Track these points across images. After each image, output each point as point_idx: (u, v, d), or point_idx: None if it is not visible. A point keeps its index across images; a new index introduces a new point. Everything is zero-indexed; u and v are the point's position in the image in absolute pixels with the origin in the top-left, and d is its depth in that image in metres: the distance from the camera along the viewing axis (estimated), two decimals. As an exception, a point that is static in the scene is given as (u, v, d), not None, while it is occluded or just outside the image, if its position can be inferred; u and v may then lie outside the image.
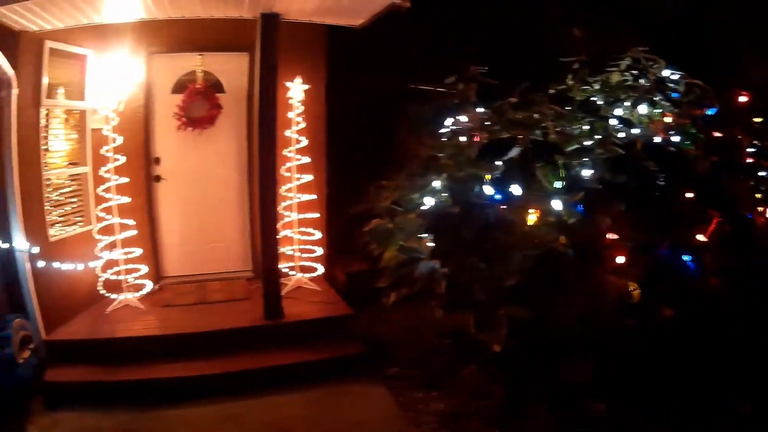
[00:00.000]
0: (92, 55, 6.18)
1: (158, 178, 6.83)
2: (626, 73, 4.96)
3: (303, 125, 6.51)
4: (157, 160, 6.81)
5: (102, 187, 6.05)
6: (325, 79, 6.96)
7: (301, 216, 6.60)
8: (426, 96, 6.95)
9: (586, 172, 4.36)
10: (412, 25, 6.33)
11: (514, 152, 4.41)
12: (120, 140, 6.06)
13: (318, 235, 6.64)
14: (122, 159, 6.08)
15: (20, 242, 5.30)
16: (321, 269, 6.75)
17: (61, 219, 6.04)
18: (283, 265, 6.38)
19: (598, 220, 4.22)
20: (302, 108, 6.51)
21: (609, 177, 4.30)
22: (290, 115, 6.41)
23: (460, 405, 4.85)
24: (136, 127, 6.54)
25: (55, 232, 5.87)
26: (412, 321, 5.94)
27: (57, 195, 6.02)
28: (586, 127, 4.69)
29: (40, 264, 5.46)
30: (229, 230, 7.18)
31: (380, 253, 4.71)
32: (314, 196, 6.65)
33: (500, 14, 6.96)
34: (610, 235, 4.30)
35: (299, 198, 6.55)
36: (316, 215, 6.70)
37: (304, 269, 6.74)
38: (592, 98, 5.03)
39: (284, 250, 6.45)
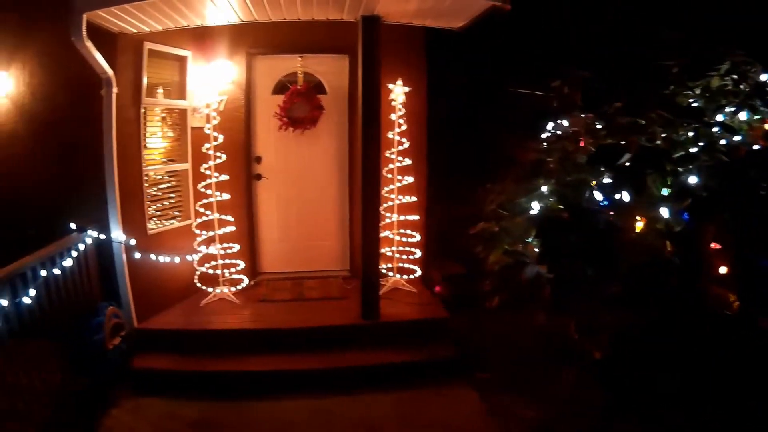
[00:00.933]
0: (192, 56, 6.55)
1: (259, 177, 7.12)
2: (726, 78, 4.94)
3: (404, 127, 6.62)
4: (258, 159, 7.11)
5: (202, 183, 6.35)
6: (425, 81, 7.06)
7: (401, 218, 6.70)
8: (527, 99, 7.35)
9: (692, 179, 4.45)
10: (512, 27, 6.38)
11: (626, 158, 4.55)
12: (221, 138, 6.35)
13: (417, 237, 6.70)
14: (223, 157, 6.35)
15: (117, 234, 5.67)
16: (418, 271, 6.79)
17: (159, 213, 6.40)
18: (381, 266, 6.43)
19: (702, 228, 4.39)
20: (403, 110, 6.61)
21: (713, 185, 4.40)
22: (392, 116, 6.52)
23: (551, 413, 4.86)
24: (236, 127, 6.87)
25: (153, 226, 6.24)
26: (507, 326, 5.85)
27: (156, 190, 6.39)
28: (691, 134, 4.74)
29: (137, 255, 5.83)
30: (327, 229, 7.41)
31: (485, 256, 4.92)
32: (414, 198, 6.71)
33: (598, 16, 7.18)
34: (714, 244, 4.42)
35: (400, 200, 6.65)
36: (416, 217, 6.77)
37: (401, 271, 6.80)
38: (694, 104, 5.03)
39: (383, 251, 6.51)
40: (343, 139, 7.29)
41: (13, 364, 4.32)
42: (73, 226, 5.66)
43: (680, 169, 4.50)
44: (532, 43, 7.28)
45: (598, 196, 4.65)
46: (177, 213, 6.74)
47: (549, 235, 4.71)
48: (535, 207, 4.87)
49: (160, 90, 6.44)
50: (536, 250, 4.66)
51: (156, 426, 4.91)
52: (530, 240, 4.73)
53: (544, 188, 4.85)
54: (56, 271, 4.97)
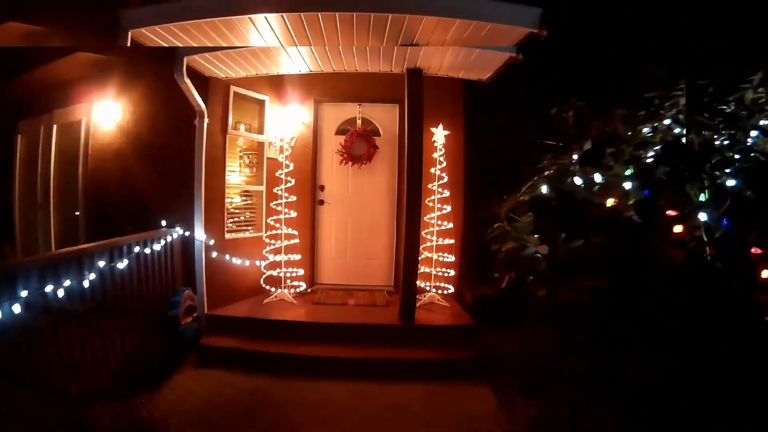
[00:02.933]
0: (269, 100, 7.63)
1: (321, 202, 8.01)
2: (760, 90, 4.72)
3: (444, 164, 7.38)
4: (322, 188, 8.00)
5: (274, 202, 7.29)
6: (463, 123, 7.82)
7: (440, 241, 7.36)
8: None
9: (730, 183, 4.26)
10: (538, 77, 7.12)
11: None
12: (291, 166, 7.30)
13: (452, 258, 7.34)
14: (292, 181, 7.28)
15: (199, 234, 6.55)
16: (451, 288, 7.41)
17: (235, 226, 7.30)
18: (420, 283, 7.08)
19: (743, 233, 4.20)
20: (443, 150, 7.40)
21: (754, 188, 4.22)
22: (434, 155, 7.32)
23: (554, 412, 5.22)
24: (304, 159, 7.83)
25: (229, 234, 7.12)
26: (527, 340, 6.22)
27: (234, 207, 7.32)
28: (726, 141, 4.62)
29: (214, 254, 6.70)
30: (377, 250, 8.11)
31: (498, 249, 5.33)
32: (451, 225, 7.37)
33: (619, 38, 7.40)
34: (756, 249, 4.19)
35: (439, 225, 7.35)
36: (451, 241, 7.40)
37: (437, 288, 7.42)
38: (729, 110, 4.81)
39: (423, 269, 7.20)
40: (393, 174, 8.09)
41: (102, 327, 5.01)
42: (163, 223, 6.62)
43: (717, 173, 4.38)
44: (558, 87, 7.76)
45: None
46: (250, 227, 7.61)
47: (539, 214, 5.18)
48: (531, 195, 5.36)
49: (243, 125, 7.46)
50: (535, 236, 5.09)
51: (213, 390, 5.53)
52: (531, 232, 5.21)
53: (544, 188, 5.34)
54: (147, 251, 5.81)
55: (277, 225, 7.38)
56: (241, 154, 7.59)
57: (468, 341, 6.46)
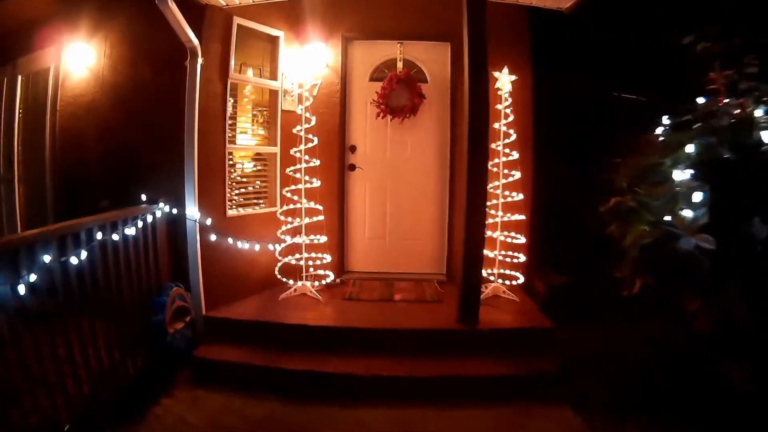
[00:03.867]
0: (284, 36, 5.95)
1: (352, 167, 6.34)
2: None
3: (511, 118, 5.67)
4: (353, 149, 6.34)
5: (291, 168, 5.64)
6: (531, 68, 6.12)
7: (506, 218, 5.72)
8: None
9: None
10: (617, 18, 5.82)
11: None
12: (313, 121, 5.68)
13: (521, 239, 5.67)
14: (315, 140, 5.66)
15: (192, 211, 5.00)
16: (521, 278, 5.75)
17: (242, 199, 5.78)
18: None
19: None
20: (510, 99, 5.69)
21: None
22: (498, 107, 5.62)
23: None
24: (330, 113, 6.15)
25: (234, 210, 5.60)
26: (618, 341, 5.05)
27: (240, 172, 5.81)
28: None
29: (212, 238, 5.17)
30: (424, 228, 6.47)
31: (620, 236, 3.97)
32: (521, 197, 5.69)
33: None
34: None
35: (505, 197, 5.69)
36: (521, 217, 5.73)
37: (502, 277, 5.78)
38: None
39: (485, 253, 5.44)
40: (444, 131, 6.37)
41: (66, 335, 3.62)
42: (143, 197, 5.01)
43: None
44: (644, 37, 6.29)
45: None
46: (262, 199, 6.06)
47: (712, 178, 3.54)
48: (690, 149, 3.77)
49: (251, 69, 5.86)
50: (689, 217, 3.50)
51: (212, 421, 4.10)
52: (679, 211, 3.54)
53: (689, 147, 3.76)
54: (116, 237, 4.17)
55: (296, 198, 5.67)
56: (248, 105, 5.99)
57: (547, 348, 4.93)
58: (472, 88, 4.76)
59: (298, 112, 5.73)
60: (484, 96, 4.79)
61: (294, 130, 5.71)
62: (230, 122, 5.55)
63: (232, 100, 5.57)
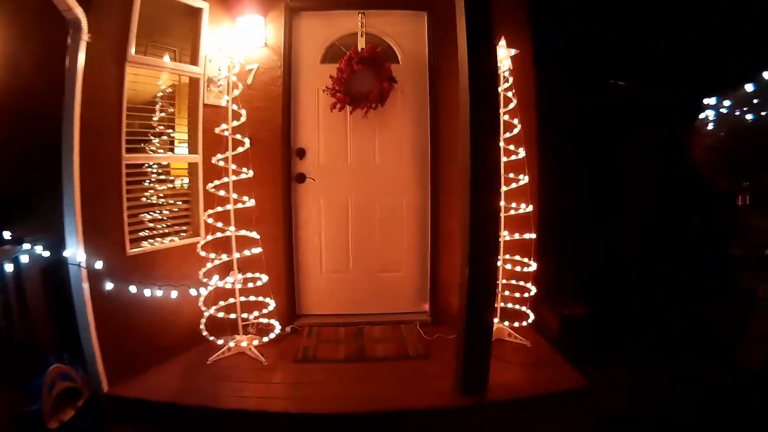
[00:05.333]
0: (209, 9, 4.46)
1: (301, 178, 4.80)
2: None
3: (513, 104, 4.26)
4: (301, 153, 4.79)
5: (212, 184, 4.11)
6: (531, 41, 4.74)
7: (510, 238, 4.33)
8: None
9: None
10: None
11: None
12: (243, 117, 4.19)
13: (532, 266, 4.26)
14: (246, 143, 4.16)
15: (75, 252, 3.46)
16: (530, 316, 4.35)
17: (154, 223, 4.22)
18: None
19: None
20: (511, 79, 4.25)
21: None
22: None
23: None
24: (270, 106, 4.66)
25: (139, 242, 4.04)
26: (664, 388, 3.89)
27: (149, 191, 4.21)
28: None
29: (108, 286, 3.62)
30: (400, 255, 4.98)
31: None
32: (530, 208, 4.29)
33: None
34: None
35: (507, 211, 4.31)
36: (531, 236, 4.31)
37: (507, 314, 4.39)
38: None
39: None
40: (422, 125, 4.89)
41: None
42: (6, 234, 3.54)
43: None
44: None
45: None
46: (182, 227, 4.49)
47: None
48: None
49: (167, 57, 4.33)
50: None
51: None
52: None
53: None
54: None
55: (219, 224, 4.17)
56: (158, 98, 4.35)
57: (580, 417, 3.50)
58: (473, 60, 3.22)
59: (223, 105, 4.21)
60: (491, 72, 3.38)
61: (217, 130, 4.17)
62: (134, 122, 4.03)
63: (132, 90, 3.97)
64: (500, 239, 4.23)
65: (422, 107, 4.83)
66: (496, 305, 4.34)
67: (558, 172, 4.71)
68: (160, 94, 4.35)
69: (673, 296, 4.69)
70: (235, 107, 4.15)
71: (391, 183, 4.89)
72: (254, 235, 4.18)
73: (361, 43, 4.80)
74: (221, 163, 4.11)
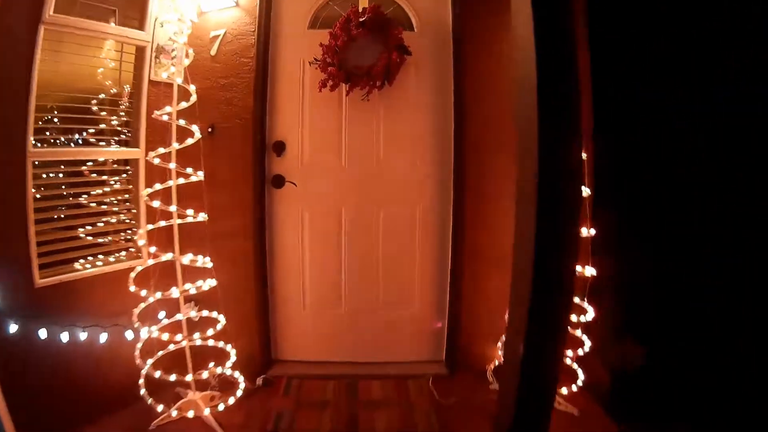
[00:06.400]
0: None
1: (279, 181, 3.61)
2: None
3: None
4: (279, 147, 3.60)
5: (147, 191, 3.00)
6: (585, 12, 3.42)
7: None
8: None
9: None
10: None
11: None
12: (193, 98, 3.10)
13: (589, 312, 3.11)
14: (196, 134, 3.06)
15: None
16: (581, 376, 3.20)
17: (73, 242, 3.08)
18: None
19: None
20: None
21: None
22: None
23: None
24: (240, 85, 3.51)
25: (48, 271, 2.94)
26: None
27: (70, 198, 3.11)
28: None
29: (11, 328, 2.64)
30: (409, 283, 3.77)
31: None
32: (591, 232, 3.18)
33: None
34: None
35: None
36: (590, 272, 3.13)
37: None
38: None
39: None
40: (443, 109, 3.69)
41: None
42: None
43: None
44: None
45: None
46: (118, 247, 3.37)
47: None
48: None
49: (112, 22, 3.27)
50: None
51: None
52: None
53: None
54: None
55: (153, 250, 3.10)
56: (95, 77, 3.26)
57: None
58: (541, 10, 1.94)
59: (178, 83, 3.09)
60: (569, 28, 2.02)
61: (156, 114, 3.06)
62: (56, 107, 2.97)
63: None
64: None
65: (444, 87, 3.66)
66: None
67: (621, 181, 3.48)
68: (101, 70, 3.24)
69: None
70: (181, 82, 3.04)
71: (399, 187, 3.70)
72: (204, 261, 3.11)
73: (364, 2, 3.60)
74: (156, 161, 2.98)
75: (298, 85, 3.61)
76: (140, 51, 3.35)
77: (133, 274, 2.99)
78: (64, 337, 2.84)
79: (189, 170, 3.04)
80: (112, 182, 3.31)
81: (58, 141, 3.07)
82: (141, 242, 3.06)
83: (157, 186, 2.99)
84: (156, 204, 2.96)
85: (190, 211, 3.05)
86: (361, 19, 3.44)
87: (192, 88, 3.06)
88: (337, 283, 3.73)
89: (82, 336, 2.89)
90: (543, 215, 1.82)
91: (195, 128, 3.07)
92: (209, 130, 3.42)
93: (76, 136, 3.17)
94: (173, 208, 2.96)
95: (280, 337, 3.76)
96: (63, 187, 3.11)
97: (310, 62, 3.51)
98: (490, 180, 3.50)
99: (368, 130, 3.62)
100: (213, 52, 3.48)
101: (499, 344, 3.35)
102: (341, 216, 3.69)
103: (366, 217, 3.69)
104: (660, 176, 3.40)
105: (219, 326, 3.14)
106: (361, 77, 3.43)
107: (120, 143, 3.34)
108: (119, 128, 3.35)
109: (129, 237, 3.35)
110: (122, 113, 3.35)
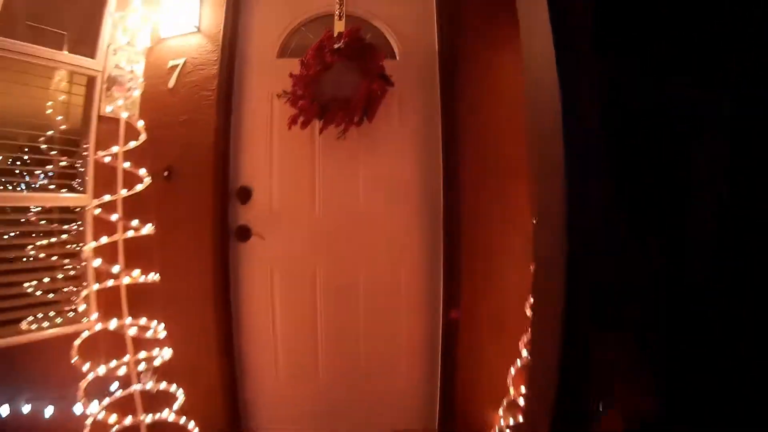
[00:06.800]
0: None
1: (244, 233, 3.19)
2: None
3: None
4: (244, 194, 3.20)
5: (90, 245, 2.63)
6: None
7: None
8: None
9: None
10: None
11: None
12: (144, 137, 2.79)
13: None
14: (144, 177, 2.74)
15: None
16: None
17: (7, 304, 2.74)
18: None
19: None
20: None
21: None
22: None
23: None
24: (201, 122, 3.14)
25: None
26: None
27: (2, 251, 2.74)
28: None
29: None
30: (395, 348, 3.33)
31: None
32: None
33: None
34: None
35: None
36: None
37: None
38: None
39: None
40: (431, 150, 3.30)
41: None
42: None
43: None
44: None
45: None
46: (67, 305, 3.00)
47: None
48: None
49: (67, 48, 3.00)
50: None
51: None
52: None
53: None
54: None
55: (93, 317, 2.84)
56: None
57: None
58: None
59: (124, 117, 2.80)
60: None
61: (101, 155, 2.75)
62: None
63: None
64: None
65: (431, 121, 3.30)
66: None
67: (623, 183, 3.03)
68: (51, 103, 2.97)
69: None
70: (126, 117, 2.73)
71: (382, 239, 3.31)
72: (158, 329, 2.78)
73: (339, 27, 3.26)
74: (98, 211, 2.69)
75: (267, 121, 3.26)
76: (91, 82, 3.06)
77: (77, 342, 2.64)
78: (4, 410, 2.56)
79: (135, 222, 2.59)
80: (63, 231, 2.97)
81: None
82: (81, 307, 2.62)
83: (103, 240, 2.66)
84: (96, 263, 2.52)
85: (136, 272, 2.63)
86: (336, 45, 3.07)
87: (140, 124, 2.82)
88: (313, 352, 3.31)
89: (25, 409, 2.62)
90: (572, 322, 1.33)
91: (143, 172, 2.66)
92: (165, 173, 3.05)
93: (24, 177, 2.79)
94: (116, 268, 2.52)
95: (252, 408, 3.33)
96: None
97: (278, 95, 3.09)
98: (488, 231, 3.07)
99: (345, 173, 3.28)
100: (171, 84, 3.17)
101: (501, 410, 2.89)
102: (315, 275, 3.32)
103: (344, 275, 3.32)
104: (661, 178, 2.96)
105: (177, 404, 2.72)
106: (336, 112, 3.06)
107: (68, 188, 2.99)
108: (69, 170, 2.97)
109: (77, 296, 2.98)
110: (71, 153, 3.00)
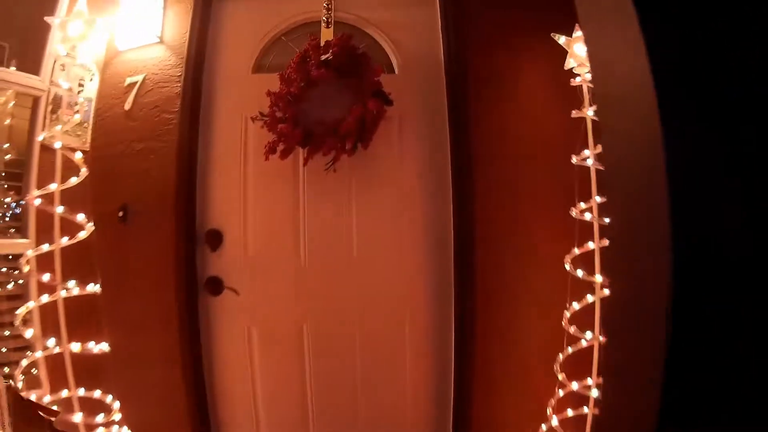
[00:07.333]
0: None
1: (216, 286, 2.71)
2: None
3: None
4: (214, 238, 2.72)
5: (23, 308, 2.24)
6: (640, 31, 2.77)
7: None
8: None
9: None
10: None
11: None
12: (85, 172, 2.41)
13: None
14: (85, 225, 2.35)
15: None
16: None
17: None
18: None
19: None
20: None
21: None
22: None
23: None
24: (162, 151, 2.69)
25: None
26: None
27: None
28: None
29: None
30: (399, 412, 2.79)
31: None
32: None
33: None
34: None
35: None
36: None
37: None
38: None
39: None
40: (440, 182, 2.80)
41: None
42: None
43: None
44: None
45: None
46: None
47: None
48: None
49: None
50: None
51: None
52: None
53: None
54: None
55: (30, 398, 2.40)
56: None
57: None
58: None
59: (57, 146, 2.43)
60: None
61: (29, 196, 2.42)
62: None
63: None
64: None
65: (439, 147, 2.84)
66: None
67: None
68: None
69: None
70: (60, 146, 2.42)
71: (382, 292, 2.85)
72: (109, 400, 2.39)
73: (327, 35, 2.81)
74: (27, 267, 2.36)
75: (240, 149, 2.83)
76: (36, 103, 2.65)
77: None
78: None
79: (71, 283, 2.11)
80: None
81: None
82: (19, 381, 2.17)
83: (45, 298, 2.27)
84: (29, 334, 2.03)
85: (76, 345, 2.13)
86: (324, 57, 2.61)
87: (78, 156, 2.40)
88: (303, 419, 2.73)
89: None
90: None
91: (81, 217, 2.18)
92: (120, 214, 2.53)
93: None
94: (51, 342, 2.05)
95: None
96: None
97: (253, 118, 2.56)
98: (507, 277, 2.55)
99: (336, 212, 2.85)
100: (128, 105, 2.73)
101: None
102: (303, 332, 2.75)
103: (337, 334, 2.89)
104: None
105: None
106: (324, 137, 2.56)
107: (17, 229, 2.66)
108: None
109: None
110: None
